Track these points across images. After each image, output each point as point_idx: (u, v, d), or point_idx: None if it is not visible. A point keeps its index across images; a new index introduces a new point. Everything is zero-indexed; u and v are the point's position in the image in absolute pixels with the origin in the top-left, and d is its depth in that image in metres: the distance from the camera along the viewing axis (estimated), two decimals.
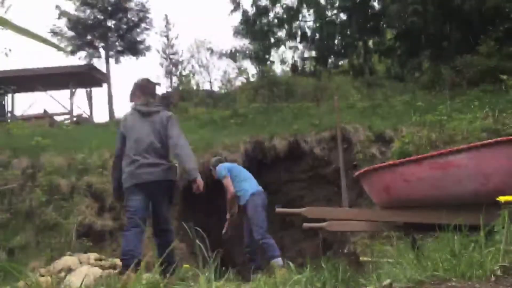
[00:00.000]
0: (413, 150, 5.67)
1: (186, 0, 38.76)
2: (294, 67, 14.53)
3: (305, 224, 3.46)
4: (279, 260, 4.60)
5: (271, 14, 13.21)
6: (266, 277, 2.22)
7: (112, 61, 18.39)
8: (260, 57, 14.27)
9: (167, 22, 18.15)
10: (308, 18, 13.66)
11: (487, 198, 2.27)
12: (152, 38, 51.91)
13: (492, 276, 1.63)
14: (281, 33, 13.57)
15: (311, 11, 13.19)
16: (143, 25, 18.47)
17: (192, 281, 2.36)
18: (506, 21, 10.45)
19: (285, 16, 13.21)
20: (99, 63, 18.37)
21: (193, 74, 18.30)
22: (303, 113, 9.42)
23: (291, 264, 2.18)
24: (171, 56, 17.61)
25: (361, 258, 4.51)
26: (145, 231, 3.71)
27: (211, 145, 6.98)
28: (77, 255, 5.33)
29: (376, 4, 12.54)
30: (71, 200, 6.32)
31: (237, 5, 12.91)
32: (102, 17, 17.93)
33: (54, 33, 17.61)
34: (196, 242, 2.08)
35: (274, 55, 19.24)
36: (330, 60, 13.66)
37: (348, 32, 11.76)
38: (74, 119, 16.96)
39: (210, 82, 19.55)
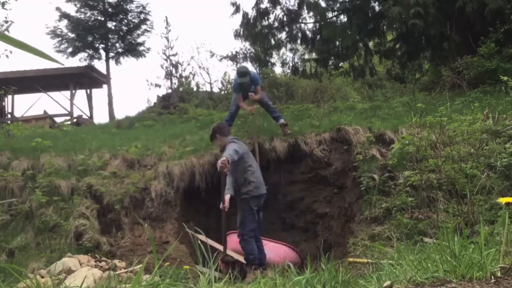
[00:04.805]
0: (413, 151, 5.66)
1: (186, 2, 38.83)
2: (294, 68, 14.53)
3: None
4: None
5: (272, 17, 13.22)
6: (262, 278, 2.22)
7: (112, 62, 18.44)
8: (261, 59, 14.27)
9: (167, 24, 18.15)
10: (308, 20, 13.69)
11: None
12: (152, 39, 52.12)
13: (492, 277, 1.62)
14: (282, 35, 13.58)
15: (311, 13, 13.20)
16: (143, 26, 18.51)
17: (192, 281, 2.36)
18: (507, 22, 10.47)
19: (285, 18, 13.22)
20: (99, 64, 18.41)
21: (193, 76, 18.27)
22: (303, 114, 9.41)
23: (291, 265, 2.17)
24: (171, 58, 17.58)
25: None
26: None
27: (211, 146, 6.97)
28: (77, 256, 5.32)
29: (376, 6, 12.54)
30: (71, 201, 6.32)
31: (237, 8, 12.92)
32: (102, 19, 17.95)
33: (55, 34, 17.63)
34: (197, 243, 2.08)
35: (275, 57, 19.26)
36: (330, 62, 13.66)
37: (349, 33, 11.75)
38: (74, 120, 16.97)
39: (210, 83, 19.52)
